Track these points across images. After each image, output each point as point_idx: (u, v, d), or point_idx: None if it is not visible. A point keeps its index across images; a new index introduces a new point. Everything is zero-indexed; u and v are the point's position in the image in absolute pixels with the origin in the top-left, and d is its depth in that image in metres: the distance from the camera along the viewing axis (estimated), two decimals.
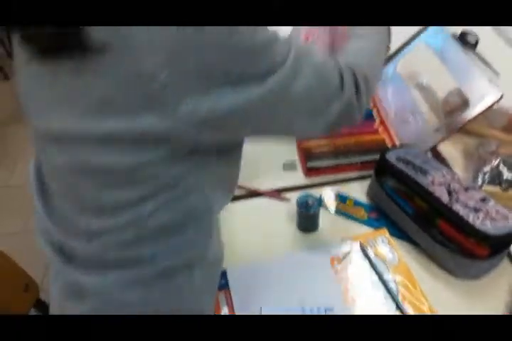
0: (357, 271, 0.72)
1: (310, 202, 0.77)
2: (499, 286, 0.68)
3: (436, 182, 0.70)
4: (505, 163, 0.73)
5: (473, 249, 0.65)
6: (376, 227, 0.78)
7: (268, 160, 0.95)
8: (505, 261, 0.70)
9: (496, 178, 0.73)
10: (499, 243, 0.64)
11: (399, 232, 0.76)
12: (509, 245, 0.65)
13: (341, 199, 0.84)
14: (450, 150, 0.85)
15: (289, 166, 0.93)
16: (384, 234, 0.76)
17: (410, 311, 0.66)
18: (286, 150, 0.96)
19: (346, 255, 0.74)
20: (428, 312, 0.65)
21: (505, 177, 0.72)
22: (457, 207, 0.66)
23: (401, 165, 0.74)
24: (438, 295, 0.67)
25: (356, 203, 0.83)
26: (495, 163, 0.74)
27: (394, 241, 0.75)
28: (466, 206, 0.66)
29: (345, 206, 0.83)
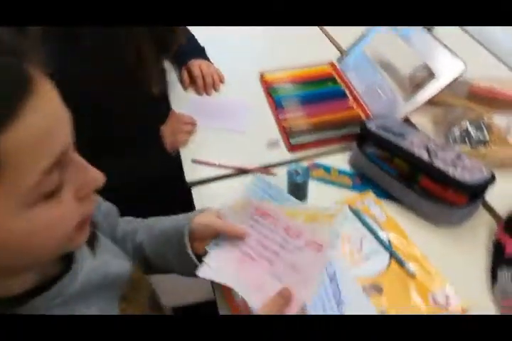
0: (349, 228, 0.78)
1: (299, 171, 0.81)
2: (478, 231, 0.77)
3: (415, 144, 0.77)
4: (471, 124, 0.82)
5: (452, 198, 0.73)
6: (361, 191, 0.84)
7: (250, 140, 0.99)
8: (482, 210, 0.79)
9: (465, 138, 0.82)
10: (476, 191, 0.72)
11: (383, 193, 0.83)
12: (484, 193, 0.73)
13: (326, 169, 0.90)
14: (420, 120, 0.94)
15: (272, 144, 0.98)
16: (369, 195, 0.83)
17: (403, 258, 0.72)
18: (267, 130, 1.01)
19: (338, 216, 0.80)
20: (419, 258, 0.72)
21: (473, 137, 0.81)
22: (437, 163, 0.74)
23: (381, 132, 0.81)
24: (426, 243, 0.74)
25: (340, 172, 0.89)
26: (463, 125, 0.83)
27: (380, 200, 0.82)
28: (444, 162, 0.74)
29: (330, 176, 0.89)
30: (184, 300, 1.11)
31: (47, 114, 0.33)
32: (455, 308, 0.66)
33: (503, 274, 0.67)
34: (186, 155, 0.98)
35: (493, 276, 0.69)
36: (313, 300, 0.68)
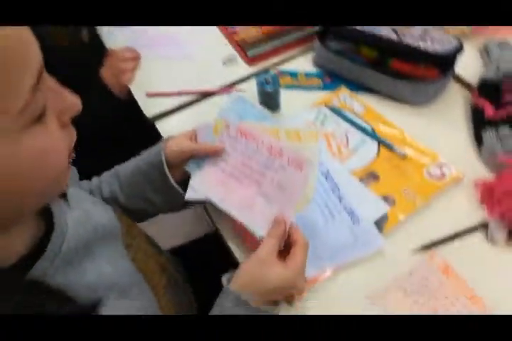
0: (332, 126, 0.77)
1: (269, 79, 0.77)
2: (453, 103, 0.78)
3: (381, 27, 0.75)
4: None
5: (425, 73, 0.73)
6: (333, 89, 0.82)
7: (205, 62, 0.93)
8: (452, 83, 0.80)
9: None
10: (448, 61, 0.72)
11: (355, 86, 0.81)
12: (454, 62, 0.73)
13: (292, 75, 0.87)
14: None
15: (229, 61, 0.92)
16: (343, 91, 0.81)
17: (390, 143, 0.72)
18: (220, 48, 0.95)
19: (317, 117, 0.78)
20: (406, 139, 0.72)
21: None
22: (407, 41, 0.72)
23: None
24: (408, 124, 0.75)
25: (308, 75, 0.86)
26: None
27: (354, 94, 0.80)
28: (413, 38, 0.72)
29: (298, 80, 0.86)
30: (178, 240, 1.09)
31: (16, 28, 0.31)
32: (450, 177, 0.68)
33: (488, 135, 0.69)
34: (138, 90, 0.90)
35: (479, 140, 0.71)
36: (314, 200, 0.68)
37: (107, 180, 0.69)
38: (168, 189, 0.64)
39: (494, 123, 0.69)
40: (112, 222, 0.54)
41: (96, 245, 0.47)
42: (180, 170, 0.64)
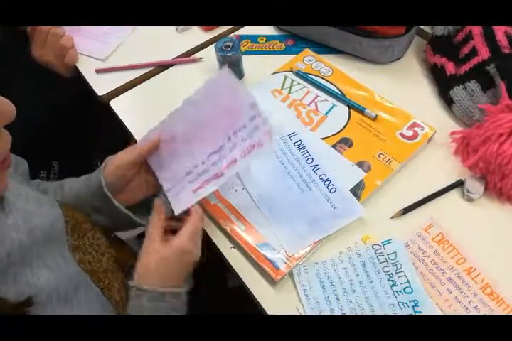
0: (299, 93, 0.73)
1: (229, 44, 0.72)
2: (421, 60, 0.76)
3: None
4: None
5: (390, 30, 0.70)
6: (297, 52, 0.78)
7: (156, 31, 0.86)
8: (418, 38, 0.78)
9: None
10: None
11: (320, 48, 0.77)
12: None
13: (252, 39, 0.81)
14: None
15: (184, 28, 0.85)
16: (308, 53, 0.77)
17: (361, 105, 0.70)
18: None
19: (284, 83, 0.74)
20: (377, 101, 0.70)
21: None
22: None
23: None
24: (377, 84, 0.72)
25: (269, 38, 0.81)
26: None
27: (320, 56, 0.76)
28: None
29: (258, 45, 0.81)
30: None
31: None
32: (423, 136, 0.66)
33: (456, 92, 0.67)
34: (86, 67, 0.82)
35: (447, 99, 0.69)
36: (288, 172, 0.66)
37: (54, 189, 0.65)
38: (116, 215, 0.61)
39: (461, 80, 0.67)
40: (56, 223, 0.52)
41: (34, 250, 0.45)
42: (128, 192, 0.61)
